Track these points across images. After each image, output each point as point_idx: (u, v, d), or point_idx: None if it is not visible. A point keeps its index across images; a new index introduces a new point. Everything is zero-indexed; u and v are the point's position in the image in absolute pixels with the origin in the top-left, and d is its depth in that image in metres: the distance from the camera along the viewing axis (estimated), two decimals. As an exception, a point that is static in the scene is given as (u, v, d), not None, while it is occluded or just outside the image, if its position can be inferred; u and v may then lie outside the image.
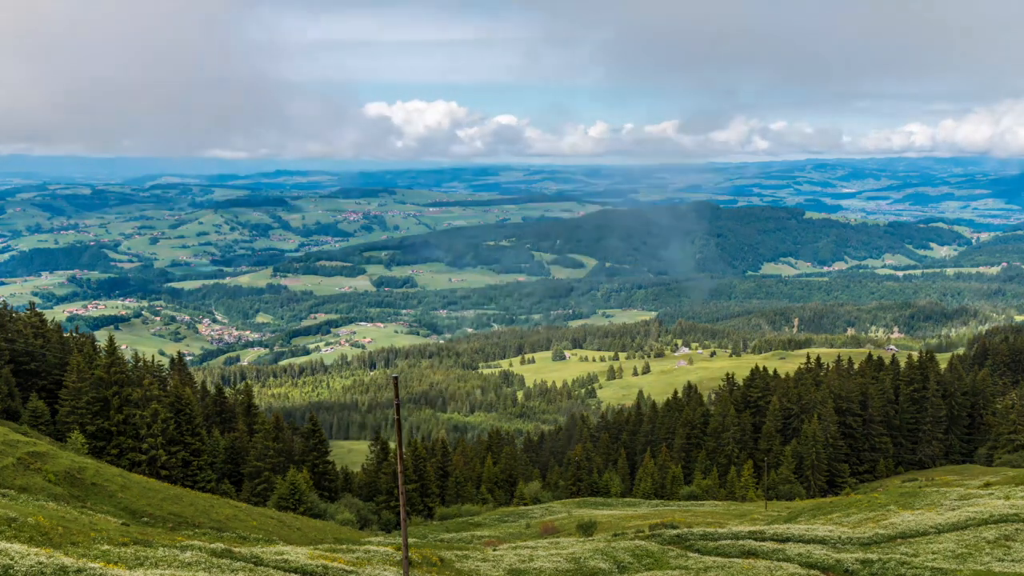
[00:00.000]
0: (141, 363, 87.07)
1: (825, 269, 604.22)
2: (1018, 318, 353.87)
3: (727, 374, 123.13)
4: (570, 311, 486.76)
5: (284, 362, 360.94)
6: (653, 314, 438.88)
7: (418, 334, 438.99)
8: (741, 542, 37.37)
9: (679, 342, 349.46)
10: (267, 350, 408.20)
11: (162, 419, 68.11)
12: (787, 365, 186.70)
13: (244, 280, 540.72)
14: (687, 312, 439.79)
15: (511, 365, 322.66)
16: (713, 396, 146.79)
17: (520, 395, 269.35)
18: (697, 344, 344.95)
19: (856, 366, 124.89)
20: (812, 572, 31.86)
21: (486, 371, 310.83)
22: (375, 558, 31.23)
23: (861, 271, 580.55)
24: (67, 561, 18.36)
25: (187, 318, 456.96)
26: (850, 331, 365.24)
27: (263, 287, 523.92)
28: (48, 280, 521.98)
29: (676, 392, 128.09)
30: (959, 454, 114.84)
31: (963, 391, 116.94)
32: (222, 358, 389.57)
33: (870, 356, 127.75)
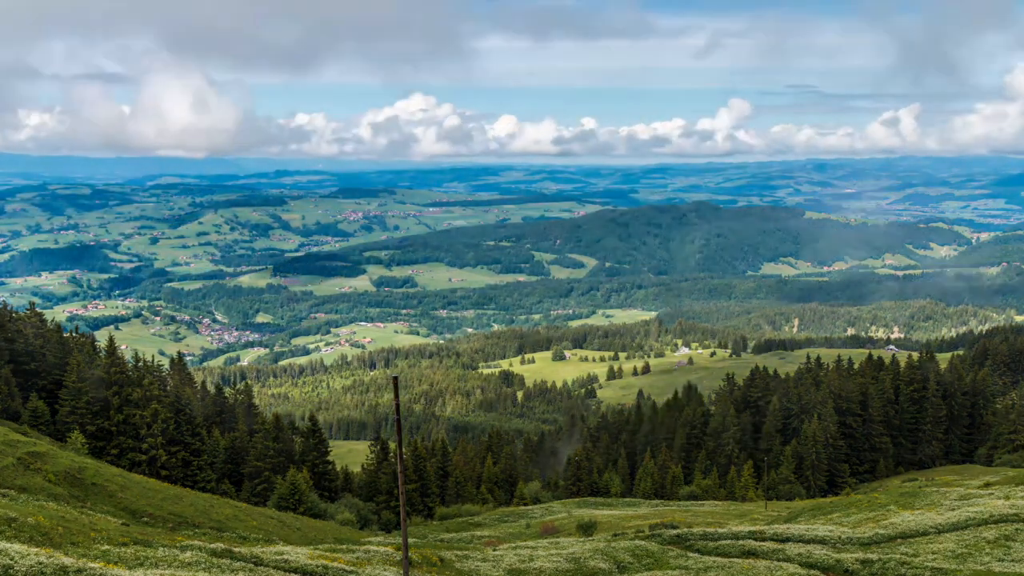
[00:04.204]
0: (141, 363, 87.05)
1: (825, 269, 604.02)
2: (1018, 318, 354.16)
3: (727, 374, 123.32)
4: (570, 311, 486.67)
5: (284, 362, 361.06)
6: (653, 314, 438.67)
7: (418, 334, 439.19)
8: (741, 542, 37.37)
9: (679, 342, 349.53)
10: (267, 350, 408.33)
11: (162, 419, 68.17)
12: (787, 365, 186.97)
13: (244, 280, 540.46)
14: (687, 312, 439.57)
15: (511, 365, 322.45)
16: (713, 396, 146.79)
17: (520, 395, 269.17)
18: (697, 344, 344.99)
19: (856, 366, 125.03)
20: (812, 572, 31.85)
21: (486, 371, 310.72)
22: (375, 558, 31.23)
23: (861, 271, 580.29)
24: (67, 561, 18.37)
25: (187, 318, 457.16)
26: (850, 331, 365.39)
27: (263, 287, 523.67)
28: (48, 280, 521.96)
29: (676, 392, 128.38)
30: (959, 454, 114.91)
31: (963, 391, 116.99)
32: (222, 358, 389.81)
33: (870, 356, 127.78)
